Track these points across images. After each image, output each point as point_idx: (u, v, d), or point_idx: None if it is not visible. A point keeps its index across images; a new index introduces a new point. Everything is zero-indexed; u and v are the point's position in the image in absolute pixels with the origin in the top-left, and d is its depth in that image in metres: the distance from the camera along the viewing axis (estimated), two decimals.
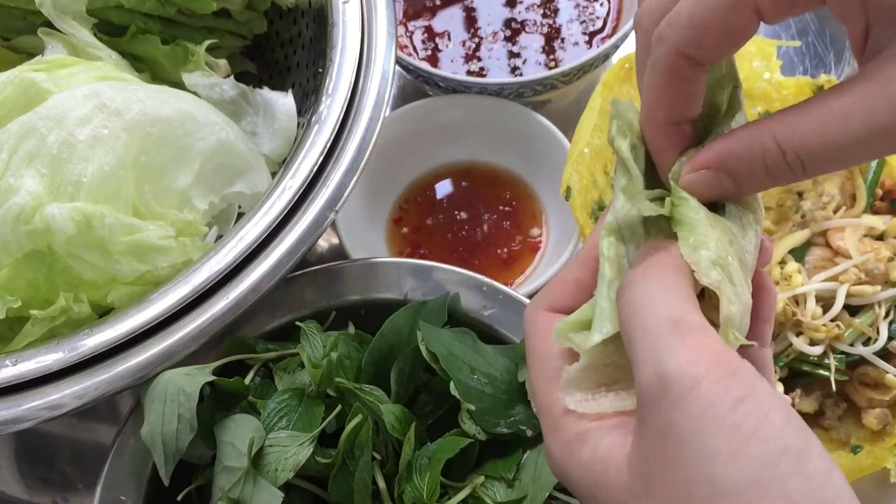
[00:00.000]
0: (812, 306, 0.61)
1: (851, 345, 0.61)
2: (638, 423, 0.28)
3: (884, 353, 0.61)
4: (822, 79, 0.72)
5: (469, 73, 0.76)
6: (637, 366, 0.28)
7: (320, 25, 0.60)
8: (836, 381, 0.60)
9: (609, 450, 0.30)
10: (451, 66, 0.76)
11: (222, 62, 0.62)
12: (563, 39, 0.77)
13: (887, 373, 0.61)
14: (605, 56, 0.73)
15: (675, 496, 0.26)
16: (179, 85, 0.59)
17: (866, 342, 0.62)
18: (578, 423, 0.31)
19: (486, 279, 0.54)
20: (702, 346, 0.27)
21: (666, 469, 0.26)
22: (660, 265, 0.30)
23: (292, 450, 0.45)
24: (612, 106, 0.34)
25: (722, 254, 0.30)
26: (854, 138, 0.28)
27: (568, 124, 0.68)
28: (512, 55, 0.77)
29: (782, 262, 0.65)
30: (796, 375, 0.62)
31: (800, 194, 0.71)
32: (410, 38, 0.78)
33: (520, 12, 0.78)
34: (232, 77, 0.62)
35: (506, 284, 0.54)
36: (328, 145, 0.52)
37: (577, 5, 0.78)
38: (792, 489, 0.25)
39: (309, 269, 0.54)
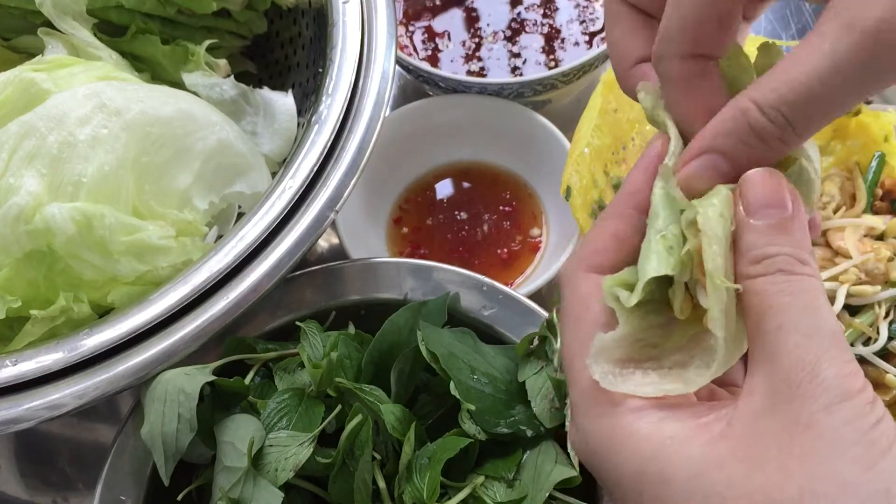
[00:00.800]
0: None
1: (852, 345, 0.61)
2: (762, 409, 0.29)
3: (884, 353, 0.61)
4: None
5: (469, 73, 0.76)
6: (786, 360, 0.29)
7: (320, 25, 0.60)
8: None
9: (682, 429, 0.30)
10: (451, 66, 0.76)
11: (222, 62, 0.62)
12: (563, 39, 0.77)
13: (887, 373, 0.61)
14: (606, 56, 0.73)
15: (795, 486, 0.27)
16: (179, 85, 0.59)
17: (866, 342, 0.62)
18: (628, 398, 0.31)
19: (486, 279, 0.54)
20: (855, 367, 0.29)
21: (793, 459, 0.28)
22: (814, 261, 0.31)
23: (292, 450, 0.45)
24: (640, 90, 0.35)
25: None
26: (821, 76, 0.28)
27: (568, 124, 0.68)
28: (512, 55, 0.77)
29: None
30: None
31: None
32: (410, 38, 0.78)
33: (520, 12, 0.78)
34: (232, 77, 0.62)
35: (506, 284, 0.54)
36: (328, 145, 0.52)
37: (577, 5, 0.78)
38: None
39: (309, 269, 0.54)
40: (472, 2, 0.79)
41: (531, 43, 0.77)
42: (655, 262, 0.31)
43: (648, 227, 0.32)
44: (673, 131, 0.33)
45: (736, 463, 0.28)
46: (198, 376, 0.46)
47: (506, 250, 0.73)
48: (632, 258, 0.33)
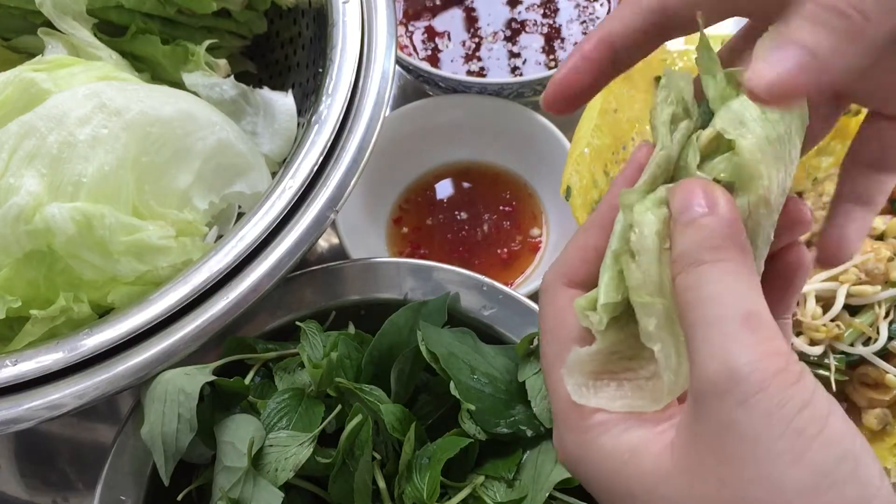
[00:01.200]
0: (812, 306, 0.61)
1: (851, 345, 0.61)
2: (690, 414, 0.28)
3: (884, 353, 0.61)
4: None
5: (469, 73, 0.76)
6: (699, 357, 0.27)
7: (320, 25, 0.60)
8: (836, 381, 0.61)
9: (640, 440, 0.29)
10: (451, 66, 0.76)
11: (222, 62, 0.62)
12: (563, 39, 0.77)
13: (887, 373, 0.61)
14: None
15: (729, 493, 0.26)
16: (179, 85, 0.59)
17: (866, 342, 0.62)
18: (597, 412, 0.31)
19: (486, 279, 0.54)
20: (772, 346, 0.27)
21: (722, 465, 0.26)
22: (729, 247, 0.29)
23: (292, 450, 0.45)
24: (665, 77, 0.33)
25: None
26: None
27: (568, 124, 0.69)
28: (512, 55, 0.77)
29: None
30: None
31: (799, 194, 0.71)
32: (410, 38, 0.78)
33: (520, 12, 0.78)
34: (232, 77, 0.62)
35: (506, 284, 0.54)
36: (328, 145, 0.52)
37: (577, 5, 0.78)
38: (848, 494, 0.25)
39: (309, 269, 0.54)
40: (472, 2, 0.79)
41: (531, 43, 0.77)
42: (604, 287, 0.31)
43: (609, 244, 0.32)
44: (660, 142, 0.32)
45: (678, 475, 0.28)
46: (198, 376, 0.46)
47: (506, 250, 0.73)
48: None
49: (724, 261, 0.28)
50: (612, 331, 0.31)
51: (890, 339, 0.61)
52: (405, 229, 0.75)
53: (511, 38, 0.77)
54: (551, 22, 0.78)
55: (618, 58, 0.34)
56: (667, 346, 0.30)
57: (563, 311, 0.33)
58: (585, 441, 0.31)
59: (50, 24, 0.58)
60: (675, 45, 0.72)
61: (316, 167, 0.51)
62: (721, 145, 0.31)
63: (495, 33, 0.78)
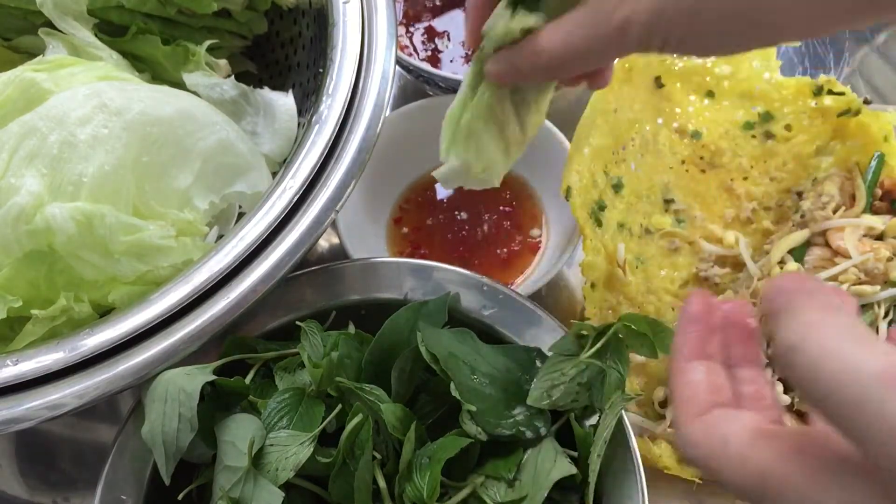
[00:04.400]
0: None
1: None
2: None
3: None
4: (822, 79, 0.72)
5: None
6: (868, 445, 0.25)
7: (321, 25, 0.60)
8: None
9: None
10: (451, 67, 0.76)
11: (223, 62, 0.62)
12: None
13: None
14: None
15: None
16: (180, 85, 0.59)
17: None
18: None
19: (486, 279, 0.54)
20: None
21: None
22: (805, 299, 0.28)
23: (293, 449, 0.45)
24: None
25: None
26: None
27: (568, 124, 0.69)
28: None
29: (782, 262, 0.65)
30: None
31: (799, 194, 0.71)
32: (411, 38, 0.78)
33: None
34: (232, 77, 0.62)
35: (506, 284, 0.54)
36: (329, 145, 0.52)
37: None
38: None
39: (309, 269, 0.55)
40: None
41: None
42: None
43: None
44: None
45: None
46: (198, 376, 0.46)
47: (506, 250, 0.73)
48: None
49: (815, 324, 0.28)
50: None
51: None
52: (405, 229, 0.75)
53: None
54: None
55: None
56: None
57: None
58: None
59: (51, 25, 0.58)
60: None
61: (316, 167, 0.51)
62: None
63: None
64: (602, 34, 0.37)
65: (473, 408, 0.46)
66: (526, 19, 0.40)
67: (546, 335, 0.51)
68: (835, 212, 0.66)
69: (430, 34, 0.78)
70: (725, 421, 0.32)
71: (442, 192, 0.77)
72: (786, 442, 0.29)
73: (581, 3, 0.38)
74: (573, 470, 0.45)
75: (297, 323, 0.51)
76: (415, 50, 0.77)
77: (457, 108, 0.45)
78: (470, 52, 0.77)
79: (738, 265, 0.69)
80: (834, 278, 0.62)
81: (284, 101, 0.60)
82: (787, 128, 0.74)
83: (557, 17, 0.39)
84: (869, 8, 0.32)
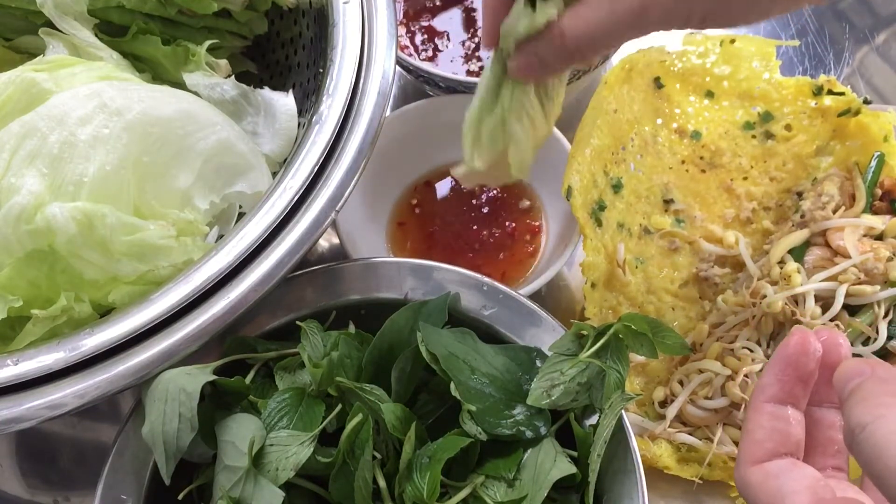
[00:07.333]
0: (811, 306, 0.61)
1: (851, 344, 0.61)
2: None
3: (883, 353, 0.62)
4: (822, 78, 0.72)
5: (469, 73, 0.76)
6: None
7: (321, 26, 0.60)
8: None
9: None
10: (451, 66, 0.76)
11: (223, 62, 0.63)
12: None
13: None
14: (606, 56, 0.73)
15: None
16: (180, 85, 0.59)
17: (865, 342, 0.62)
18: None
19: (486, 279, 0.54)
20: None
21: None
22: (877, 384, 0.32)
23: (293, 449, 0.45)
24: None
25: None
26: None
27: (568, 124, 0.69)
28: None
29: (781, 262, 0.65)
30: None
31: (799, 194, 0.71)
32: (411, 38, 0.78)
33: None
34: (233, 77, 0.62)
35: (506, 284, 0.54)
36: (329, 145, 0.52)
37: None
38: None
39: (309, 269, 0.55)
40: (472, 2, 0.79)
41: None
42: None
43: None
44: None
45: None
46: (199, 376, 0.46)
47: (506, 250, 0.73)
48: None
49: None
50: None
51: (889, 338, 0.61)
52: (405, 229, 0.75)
53: None
54: None
55: None
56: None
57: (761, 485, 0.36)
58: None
59: (51, 25, 0.58)
60: (674, 46, 0.73)
61: (316, 167, 0.51)
62: None
63: None
64: (622, 15, 0.38)
65: (473, 407, 0.46)
66: (548, 10, 0.41)
67: (546, 335, 0.52)
68: (835, 212, 0.66)
69: (430, 34, 0.78)
70: (784, 473, 0.35)
71: (442, 192, 0.77)
72: None
73: None
74: (573, 470, 0.46)
75: (298, 323, 0.51)
76: (415, 50, 0.77)
77: (476, 110, 0.46)
78: (471, 52, 0.77)
79: (738, 265, 0.69)
80: (834, 278, 0.62)
81: (285, 102, 0.60)
82: (787, 128, 0.74)
83: (574, 4, 0.40)
84: None
